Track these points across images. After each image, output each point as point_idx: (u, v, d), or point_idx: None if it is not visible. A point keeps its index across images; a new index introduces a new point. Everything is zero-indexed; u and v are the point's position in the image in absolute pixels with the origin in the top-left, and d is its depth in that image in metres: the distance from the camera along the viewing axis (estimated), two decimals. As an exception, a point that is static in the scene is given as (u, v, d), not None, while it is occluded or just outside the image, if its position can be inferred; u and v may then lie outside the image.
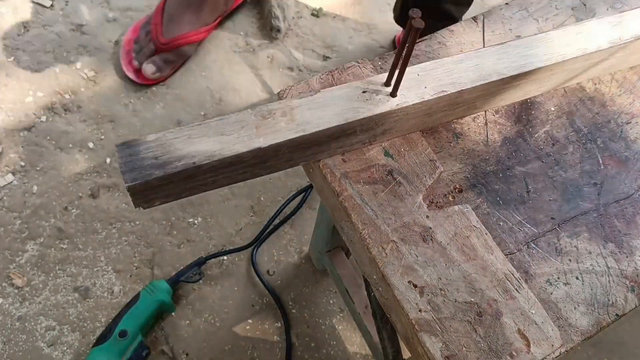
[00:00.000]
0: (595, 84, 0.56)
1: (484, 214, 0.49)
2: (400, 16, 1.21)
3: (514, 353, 0.42)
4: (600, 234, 0.49)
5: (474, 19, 0.58)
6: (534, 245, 0.48)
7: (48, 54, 1.21)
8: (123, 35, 1.23)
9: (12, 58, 1.20)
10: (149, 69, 1.16)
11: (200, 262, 1.04)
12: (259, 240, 1.08)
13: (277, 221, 1.11)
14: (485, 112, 0.53)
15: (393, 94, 0.46)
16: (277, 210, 1.10)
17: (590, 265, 0.47)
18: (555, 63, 0.50)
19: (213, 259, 1.06)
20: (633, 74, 0.57)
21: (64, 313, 0.99)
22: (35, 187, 1.08)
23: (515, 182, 0.50)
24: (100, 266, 1.04)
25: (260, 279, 1.05)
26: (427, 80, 0.47)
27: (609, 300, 0.46)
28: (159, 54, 1.18)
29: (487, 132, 0.52)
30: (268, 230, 1.09)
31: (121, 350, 0.91)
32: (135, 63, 1.17)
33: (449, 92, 0.47)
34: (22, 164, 1.10)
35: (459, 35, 0.57)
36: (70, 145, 1.13)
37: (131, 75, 1.18)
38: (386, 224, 0.46)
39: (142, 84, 1.19)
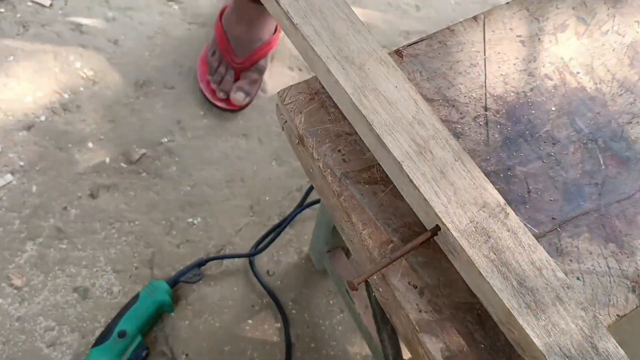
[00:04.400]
0: (596, 84, 0.56)
1: (484, 214, 0.49)
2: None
3: (515, 353, 0.42)
4: (601, 234, 0.49)
5: (475, 18, 0.58)
6: (534, 246, 0.48)
7: (47, 54, 1.21)
8: (197, 76, 1.21)
9: (11, 58, 1.19)
10: (239, 97, 1.15)
11: (200, 263, 1.04)
12: (261, 248, 1.07)
13: (276, 220, 1.11)
14: (485, 111, 0.53)
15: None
16: (283, 224, 1.10)
17: (591, 265, 0.47)
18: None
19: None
20: (634, 74, 0.57)
21: (63, 313, 0.99)
22: (34, 187, 1.08)
23: (516, 182, 0.50)
24: (100, 266, 1.03)
25: (260, 282, 1.04)
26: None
27: (609, 300, 0.46)
28: (241, 77, 1.17)
29: (488, 132, 0.52)
30: (270, 236, 1.09)
31: (120, 351, 0.91)
32: (222, 95, 1.16)
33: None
34: (21, 163, 1.10)
35: (460, 35, 0.56)
36: (70, 145, 1.13)
37: (223, 105, 1.17)
38: (386, 225, 0.46)
39: (234, 109, 1.19)
